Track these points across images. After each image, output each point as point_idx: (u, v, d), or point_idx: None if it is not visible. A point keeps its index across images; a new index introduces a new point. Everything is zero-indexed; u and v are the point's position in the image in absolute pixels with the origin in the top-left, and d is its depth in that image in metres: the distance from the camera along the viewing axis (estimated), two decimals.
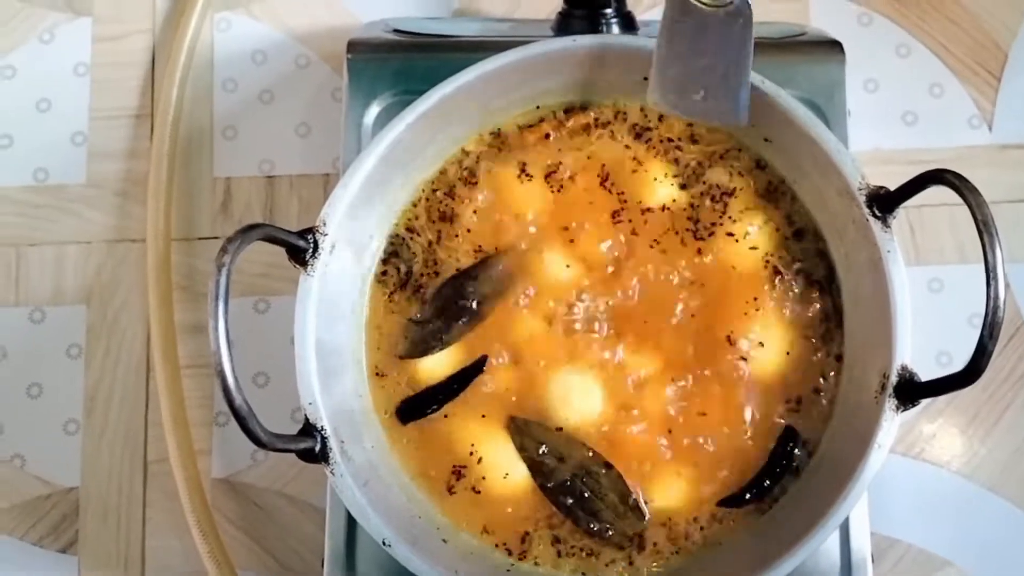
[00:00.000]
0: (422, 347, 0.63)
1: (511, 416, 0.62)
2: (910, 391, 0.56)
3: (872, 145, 0.83)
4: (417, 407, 0.63)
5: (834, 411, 0.62)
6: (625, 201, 0.64)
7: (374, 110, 0.70)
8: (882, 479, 0.76)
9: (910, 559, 0.77)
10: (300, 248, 0.58)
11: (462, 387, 0.62)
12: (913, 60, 0.85)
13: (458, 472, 0.62)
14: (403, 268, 0.65)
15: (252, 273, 0.80)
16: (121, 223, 0.82)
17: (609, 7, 0.70)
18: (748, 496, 0.61)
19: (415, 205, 0.66)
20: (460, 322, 0.63)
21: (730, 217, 0.64)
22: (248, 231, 0.52)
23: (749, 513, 0.61)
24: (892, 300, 0.57)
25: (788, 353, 0.63)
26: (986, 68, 0.85)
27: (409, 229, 0.65)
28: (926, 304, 0.80)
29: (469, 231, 0.64)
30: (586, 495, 0.61)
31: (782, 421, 0.62)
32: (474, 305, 0.63)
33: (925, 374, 0.56)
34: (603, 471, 0.62)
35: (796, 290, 0.63)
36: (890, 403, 0.56)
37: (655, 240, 0.64)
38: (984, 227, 0.52)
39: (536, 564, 0.61)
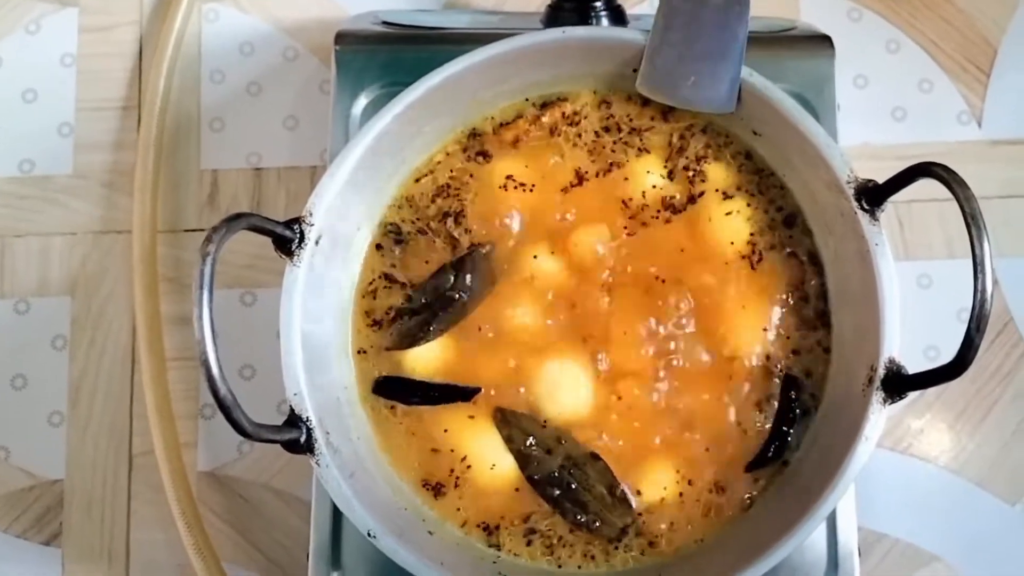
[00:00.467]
0: (409, 339, 0.63)
1: (498, 408, 0.62)
2: (897, 384, 0.56)
3: (861, 140, 0.83)
4: (396, 390, 0.63)
5: (821, 404, 0.62)
6: (613, 192, 0.64)
7: (362, 102, 0.70)
8: (870, 474, 0.76)
9: (897, 553, 0.77)
10: (286, 238, 0.58)
11: (442, 401, 0.62)
12: (903, 56, 0.85)
13: (444, 464, 0.62)
14: (390, 259, 0.64)
15: (238, 265, 0.80)
16: (107, 214, 0.82)
17: (599, 0, 0.70)
18: (771, 454, 0.62)
19: (402, 196, 0.65)
20: (447, 314, 0.63)
21: (717, 206, 0.64)
22: (234, 220, 0.52)
23: (737, 505, 0.61)
24: (880, 293, 0.57)
25: (774, 343, 0.63)
26: (975, 64, 0.85)
27: (396, 220, 0.65)
28: (914, 299, 0.80)
29: (457, 223, 0.64)
30: (573, 487, 0.61)
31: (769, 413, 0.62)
32: (461, 297, 0.63)
33: (913, 369, 0.56)
34: (590, 463, 0.62)
35: (783, 282, 0.63)
36: (877, 396, 0.56)
37: (642, 231, 0.64)
38: (972, 220, 0.52)
39: (522, 556, 0.61)
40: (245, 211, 0.75)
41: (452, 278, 0.63)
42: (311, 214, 0.59)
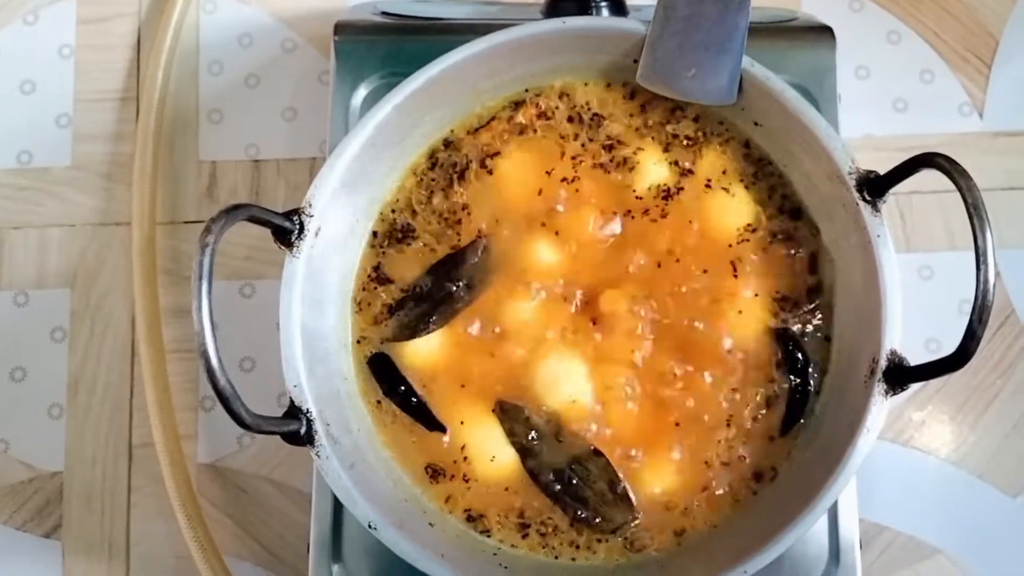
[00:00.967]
0: (408, 331, 0.63)
1: (500, 401, 0.62)
2: (899, 376, 0.56)
3: (862, 131, 0.83)
4: (384, 371, 0.63)
5: (822, 396, 0.62)
6: (614, 183, 0.64)
7: (361, 93, 0.70)
8: (871, 466, 0.76)
9: (899, 546, 0.77)
10: (286, 229, 0.57)
11: (414, 415, 0.62)
12: (904, 47, 0.85)
13: (445, 456, 0.62)
14: (390, 251, 0.64)
15: (238, 256, 0.80)
16: (106, 206, 0.82)
17: None
18: (794, 418, 0.62)
19: (402, 188, 0.65)
20: (447, 306, 0.63)
21: (717, 196, 0.64)
22: (233, 211, 0.52)
23: (738, 498, 0.61)
24: (881, 284, 0.57)
25: (777, 336, 0.62)
26: (977, 55, 0.84)
27: (396, 212, 0.65)
28: (916, 291, 0.80)
29: (457, 214, 0.64)
30: (574, 482, 0.61)
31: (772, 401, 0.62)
32: (461, 289, 0.63)
33: (915, 360, 0.56)
34: (592, 459, 0.61)
35: (784, 274, 0.63)
36: (879, 387, 0.56)
37: (640, 221, 0.63)
38: (974, 211, 0.52)
39: (523, 549, 0.61)
40: (244, 202, 0.75)
41: (451, 270, 0.63)
42: (310, 205, 0.58)
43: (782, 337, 0.62)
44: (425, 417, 0.62)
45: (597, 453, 0.61)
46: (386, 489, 0.60)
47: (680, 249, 0.63)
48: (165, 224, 0.81)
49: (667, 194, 0.64)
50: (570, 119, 0.65)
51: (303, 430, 0.56)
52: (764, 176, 0.64)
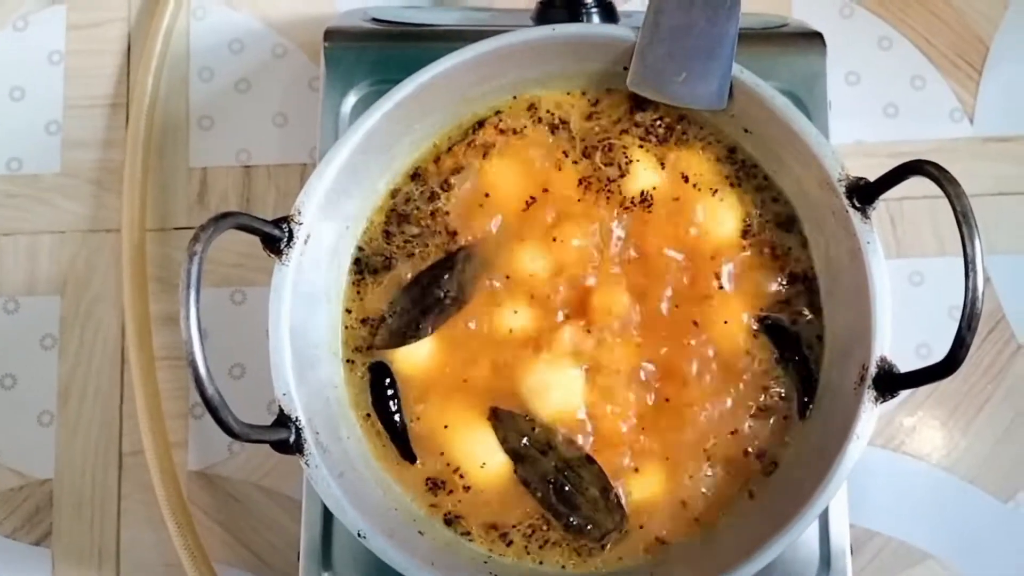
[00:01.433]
0: (398, 338, 0.63)
1: (494, 408, 0.62)
2: (889, 382, 0.56)
3: (853, 137, 0.83)
4: (382, 378, 0.63)
5: (813, 402, 0.62)
6: (602, 190, 0.64)
7: (351, 99, 0.70)
8: (862, 472, 0.76)
9: (890, 552, 0.77)
10: (275, 237, 0.57)
11: (392, 437, 0.62)
12: (895, 52, 0.85)
13: (434, 463, 0.62)
14: (380, 258, 0.64)
15: (228, 263, 0.80)
16: (96, 213, 0.82)
17: None
18: (806, 401, 0.62)
19: (392, 194, 0.65)
20: (436, 313, 0.62)
21: (706, 202, 0.64)
22: (221, 219, 0.52)
23: (729, 504, 0.61)
24: (872, 291, 0.57)
25: (766, 343, 0.62)
26: (967, 61, 0.85)
27: (386, 219, 0.65)
28: (906, 297, 0.80)
29: (446, 221, 0.64)
30: (566, 489, 0.61)
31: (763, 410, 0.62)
32: (451, 295, 0.63)
33: (905, 367, 0.56)
34: (584, 465, 0.61)
35: (773, 281, 0.63)
36: (869, 394, 0.56)
37: (632, 227, 0.63)
38: (963, 218, 0.52)
39: (514, 557, 0.61)
40: (233, 210, 0.75)
41: (441, 277, 0.63)
42: (300, 213, 0.58)
43: (775, 342, 0.62)
44: (401, 443, 0.62)
45: (589, 460, 0.61)
46: (376, 497, 0.60)
47: (669, 254, 0.63)
48: (155, 231, 0.81)
49: (655, 199, 0.64)
50: (553, 129, 0.65)
51: (292, 438, 0.56)
52: (753, 181, 0.64)
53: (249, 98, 0.83)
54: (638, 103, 0.65)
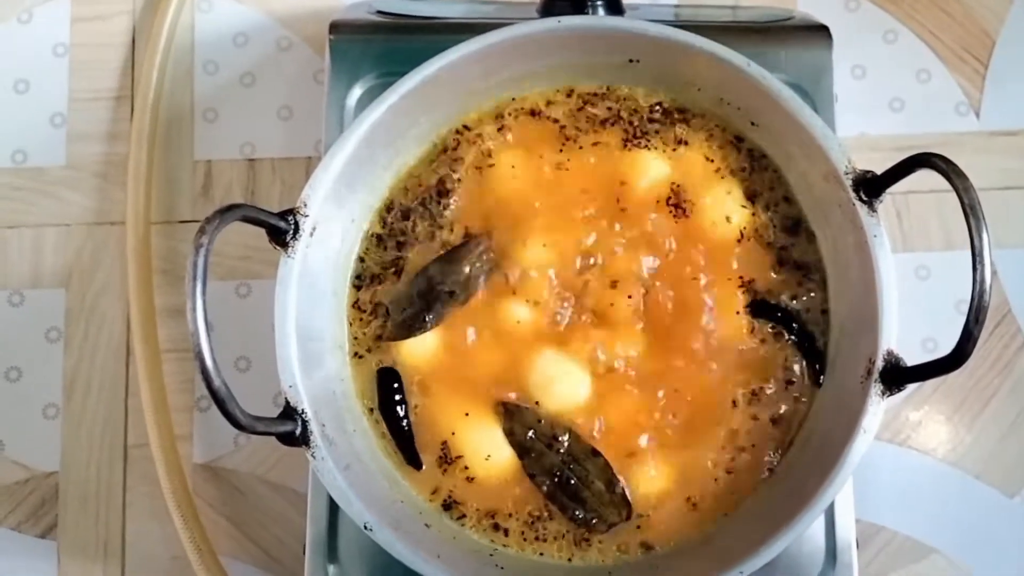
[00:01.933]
0: (404, 330, 0.62)
1: (501, 401, 0.62)
2: (896, 376, 0.56)
3: (859, 131, 0.83)
4: (389, 381, 0.63)
5: (819, 396, 0.62)
6: (609, 183, 0.64)
7: (357, 92, 0.70)
8: (868, 466, 0.76)
9: (896, 546, 0.77)
10: (281, 229, 0.57)
11: (397, 439, 0.62)
12: (900, 46, 0.85)
13: (441, 456, 0.62)
14: (386, 250, 0.64)
15: (234, 256, 0.80)
16: (101, 206, 0.82)
17: None
18: (819, 368, 0.62)
19: (398, 187, 0.65)
20: (442, 305, 0.62)
21: (713, 195, 0.64)
22: (227, 211, 0.51)
23: (735, 498, 0.61)
24: (878, 284, 0.57)
25: (772, 333, 0.62)
26: (973, 55, 0.84)
27: (392, 211, 0.65)
28: (913, 291, 0.80)
29: (453, 213, 0.64)
30: (572, 482, 0.61)
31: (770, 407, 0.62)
32: (457, 288, 0.62)
33: (911, 360, 0.56)
34: (590, 459, 0.61)
35: (780, 273, 0.63)
36: (876, 388, 0.56)
37: (639, 219, 0.63)
38: (971, 211, 0.52)
39: (519, 548, 0.61)
40: (239, 202, 0.75)
41: (447, 270, 0.63)
42: (305, 205, 0.58)
43: (783, 334, 0.62)
44: (407, 449, 0.62)
45: (595, 453, 0.61)
46: (382, 490, 0.60)
47: (677, 246, 0.63)
48: (160, 224, 0.81)
49: (663, 191, 0.64)
50: (558, 122, 0.65)
51: (298, 431, 0.56)
52: (760, 174, 0.64)
53: (254, 91, 0.83)
54: (645, 95, 0.65)
